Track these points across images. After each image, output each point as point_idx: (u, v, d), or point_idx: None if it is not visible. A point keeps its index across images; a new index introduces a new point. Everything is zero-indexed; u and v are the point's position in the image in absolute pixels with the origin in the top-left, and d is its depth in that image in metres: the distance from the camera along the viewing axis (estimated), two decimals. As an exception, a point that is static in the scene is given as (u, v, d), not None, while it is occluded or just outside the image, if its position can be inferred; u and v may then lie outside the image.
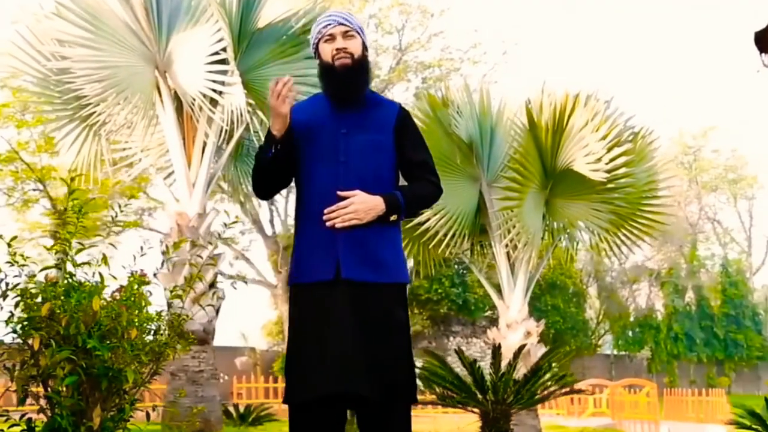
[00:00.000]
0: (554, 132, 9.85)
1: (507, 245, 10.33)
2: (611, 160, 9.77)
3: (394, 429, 3.43)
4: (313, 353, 3.34)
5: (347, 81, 3.55)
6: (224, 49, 8.59)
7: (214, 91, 8.56)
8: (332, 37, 3.56)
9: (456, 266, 26.26)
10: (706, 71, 75.00)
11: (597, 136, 9.82)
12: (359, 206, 3.40)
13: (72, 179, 5.12)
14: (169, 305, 7.81)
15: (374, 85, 22.74)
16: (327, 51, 3.56)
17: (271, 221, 26.12)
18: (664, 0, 74.83)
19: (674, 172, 12.39)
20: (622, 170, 10.11)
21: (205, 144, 8.95)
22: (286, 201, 25.37)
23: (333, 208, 3.40)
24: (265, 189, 3.69)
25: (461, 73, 24.73)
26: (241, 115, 8.52)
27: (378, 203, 3.43)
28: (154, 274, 7.94)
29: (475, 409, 6.26)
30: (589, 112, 9.94)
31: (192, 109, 8.72)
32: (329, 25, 3.57)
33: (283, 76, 3.46)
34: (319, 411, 3.37)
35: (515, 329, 10.60)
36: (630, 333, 36.96)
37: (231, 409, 13.04)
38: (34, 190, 20.17)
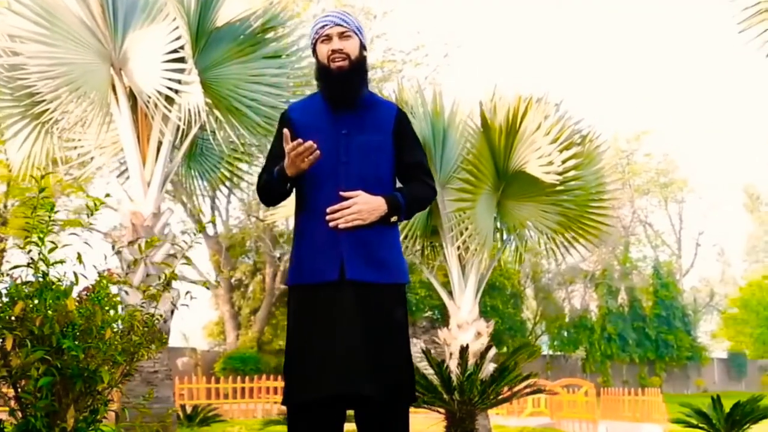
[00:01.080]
0: (507, 134, 9.97)
1: (459, 247, 10.42)
2: (563, 162, 9.93)
3: (395, 429, 3.45)
4: (318, 354, 3.33)
5: (343, 83, 3.55)
6: (182, 47, 8.51)
7: (171, 89, 8.48)
8: (329, 38, 3.56)
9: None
10: (640, 76, 76.43)
11: (549, 139, 9.98)
12: (362, 207, 3.42)
13: (42, 176, 5.06)
14: (123, 305, 7.76)
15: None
16: (323, 52, 3.56)
17: (213, 222, 25.96)
18: (596, 6, 76.07)
19: (618, 176, 12.60)
20: (572, 173, 10.29)
21: (160, 143, 8.85)
22: (228, 201, 25.26)
23: (336, 207, 3.41)
24: (272, 201, 3.71)
25: (404, 74, 24.85)
26: (199, 113, 8.45)
27: (380, 204, 3.45)
28: (126, 274, 7.87)
29: (441, 410, 6.30)
30: (540, 114, 10.09)
31: (147, 107, 8.62)
32: (326, 25, 3.57)
33: (307, 143, 3.39)
34: (320, 411, 3.37)
35: (466, 330, 10.69)
36: (565, 333, 37.49)
37: (177, 409, 12.94)
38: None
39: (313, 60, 3.67)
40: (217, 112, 8.92)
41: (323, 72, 3.58)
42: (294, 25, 9.43)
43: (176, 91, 8.52)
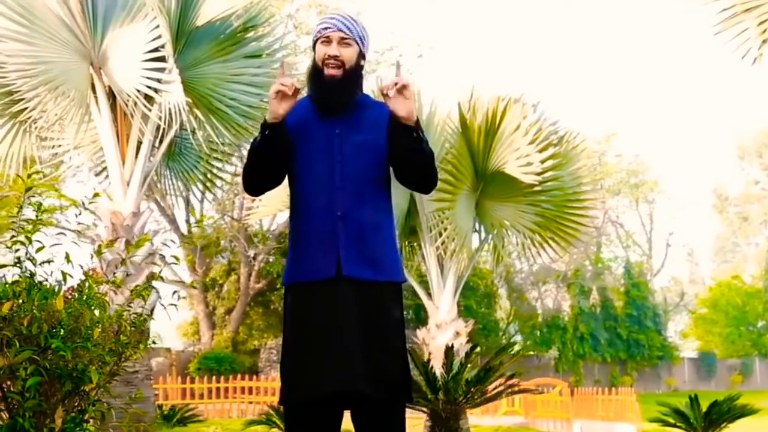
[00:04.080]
0: (486, 134, 10.03)
1: (438, 247, 10.47)
2: (542, 163, 10.01)
3: (392, 427, 3.46)
4: (315, 352, 3.33)
5: (332, 91, 3.55)
6: (162, 47, 8.48)
7: (150, 88, 8.45)
8: (328, 41, 3.53)
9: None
10: (611, 77, 76.95)
11: (527, 139, 10.05)
12: (410, 92, 3.46)
13: (29, 176, 5.04)
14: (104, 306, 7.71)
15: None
16: (320, 54, 3.55)
17: (188, 221, 25.84)
18: (569, 8, 76.52)
19: (594, 177, 12.66)
20: (550, 173, 10.36)
21: (140, 142, 8.82)
22: (201, 201, 25.13)
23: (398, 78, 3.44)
24: (254, 183, 3.64)
25: (378, 75, 24.85)
26: (179, 113, 8.42)
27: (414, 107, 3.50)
28: (104, 273, 7.81)
29: (424, 409, 6.33)
30: (518, 115, 10.16)
31: (127, 106, 8.59)
32: (328, 28, 3.55)
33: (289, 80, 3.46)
34: (317, 410, 3.36)
35: (444, 330, 10.75)
36: (538, 333, 37.63)
37: (159, 410, 12.88)
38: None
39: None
40: (197, 111, 8.90)
41: (314, 75, 3.57)
42: (274, 24, 9.43)
43: (156, 90, 8.50)
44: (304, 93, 3.68)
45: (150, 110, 8.55)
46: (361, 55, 3.62)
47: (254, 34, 9.16)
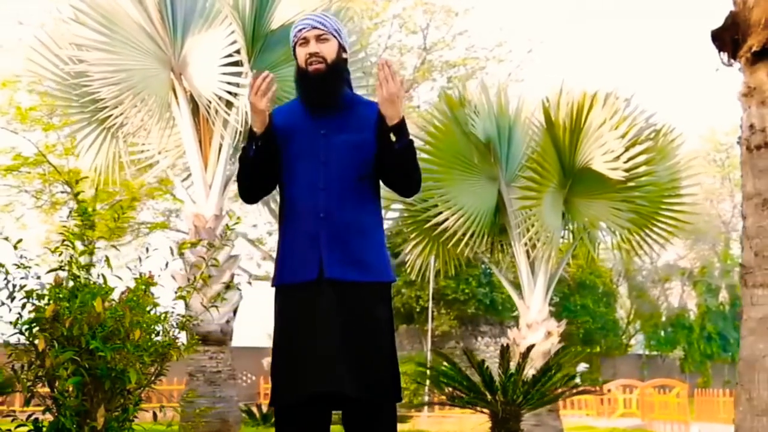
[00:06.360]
0: (572, 131, 9.79)
1: (526, 244, 10.27)
2: (630, 159, 9.71)
3: (380, 429, 3.43)
4: (300, 354, 3.34)
5: (320, 86, 3.54)
6: (238, 51, 8.61)
7: (229, 92, 8.60)
8: (306, 41, 3.55)
9: (483, 266, 26.11)
10: (734, 70, 74.18)
11: (616, 135, 9.76)
12: (401, 90, 3.40)
13: (77, 181, 5.19)
14: (187, 306, 7.90)
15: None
16: (301, 55, 3.56)
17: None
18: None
19: (701, 170, 12.16)
20: (643, 168, 10.04)
21: (221, 146, 8.97)
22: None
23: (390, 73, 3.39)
24: (250, 191, 3.68)
25: (487, 71, 24.63)
26: (256, 116, 8.52)
27: (401, 109, 3.43)
28: (172, 276, 8.01)
29: (485, 410, 6.24)
30: (607, 110, 9.89)
31: (207, 111, 8.76)
32: (303, 28, 3.56)
33: (263, 71, 3.47)
34: (305, 411, 3.38)
35: (536, 329, 10.53)
36: (662, 333, 36.55)
37: (254, 409, 13.10)
38: (61, 192, 20.40)
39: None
40: (275, 115, 8.99)
41: (300, 75, 3.58)
42: (351, 26, 9.43)
43: (234, 95, 8.64)
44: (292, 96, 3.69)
45: (229, 114, 8.69)
46: (342, 49, 3.62)
47: (331, 35, 9.18)
